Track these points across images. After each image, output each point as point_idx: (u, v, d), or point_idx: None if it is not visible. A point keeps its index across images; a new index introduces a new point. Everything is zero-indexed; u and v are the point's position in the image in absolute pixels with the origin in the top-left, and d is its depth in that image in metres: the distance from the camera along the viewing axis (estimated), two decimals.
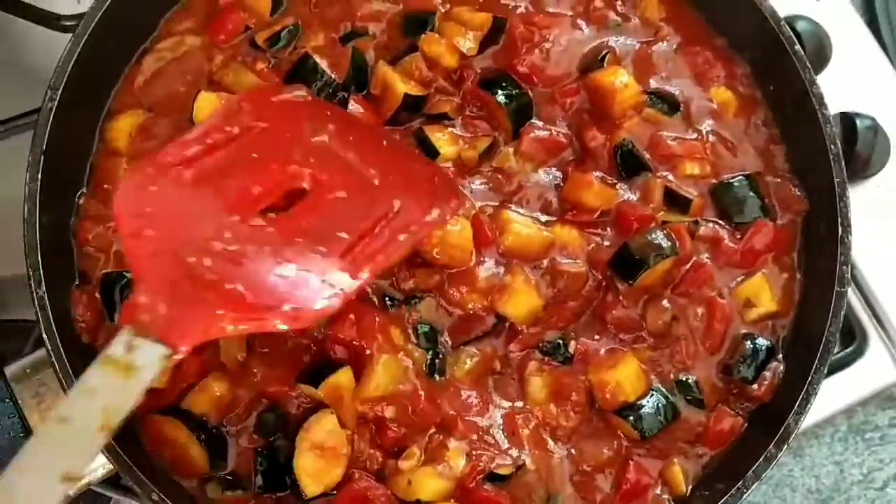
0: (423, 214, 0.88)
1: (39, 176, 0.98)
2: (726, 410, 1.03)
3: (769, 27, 1.09)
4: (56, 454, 0.69)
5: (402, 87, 1.06)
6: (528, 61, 1.10)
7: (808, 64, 1.07)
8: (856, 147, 1.32)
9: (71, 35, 1.02)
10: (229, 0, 1.13)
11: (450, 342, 1.02)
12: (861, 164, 1.33)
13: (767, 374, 1.02)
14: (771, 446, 0.96)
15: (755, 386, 1.02)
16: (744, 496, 0.95)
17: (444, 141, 1.07)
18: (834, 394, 1.28)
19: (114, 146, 1.07)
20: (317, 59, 1.07)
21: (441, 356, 1.01)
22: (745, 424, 1.03)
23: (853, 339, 1.31)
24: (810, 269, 1.09)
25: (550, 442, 1.02)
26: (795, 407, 0.97)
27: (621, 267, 1.03)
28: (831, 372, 1.28)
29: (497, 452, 0.99)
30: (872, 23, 1.47)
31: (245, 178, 0.83)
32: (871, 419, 1.35)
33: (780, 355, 1.04)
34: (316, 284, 0.79)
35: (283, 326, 0.79)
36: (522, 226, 1.04)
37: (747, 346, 1.04)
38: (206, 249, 0.76)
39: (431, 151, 1.06)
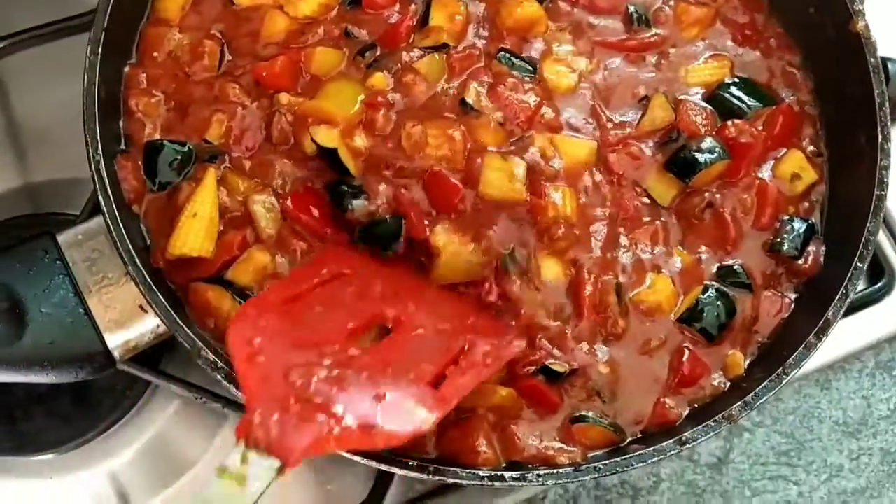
0: (493, 349, 0.97)
1: (100, 51, 0.99)
2: (773, 292, 1.08)
3: None
4: None
5: None
6: None
7: None
8: (888, 90, 1.34)
9: None
10: None
11: None
12: (894, 107, 1.35)
13: (811, 248, 1.07)
14: (811, 336, 0.98)
15: (801, 261, 1.06)
16: (783, 383, 0.96)
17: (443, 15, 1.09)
18: (861, 330, 1.30)
19: (164, 16, 1.09)
20: None
21: None
22: (793, 305, 1.07)
23: (881, 275, 1.33)
24: (846, 186, 1.11)
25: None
26: (835, 300, 0.99)
27: (678, 167, 1.07)
28: (859, 308, 1.30)
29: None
30: None
31: (340, 315, 0.93)
32: None
33: (821, 233, 1.10)
34: (409, 408, 0.88)
35: (380, 446, 0.87)
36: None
37: (788, 226, 1.09)
38: (311, 374, 0.86)
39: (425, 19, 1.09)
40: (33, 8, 1.30)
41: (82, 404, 1.12)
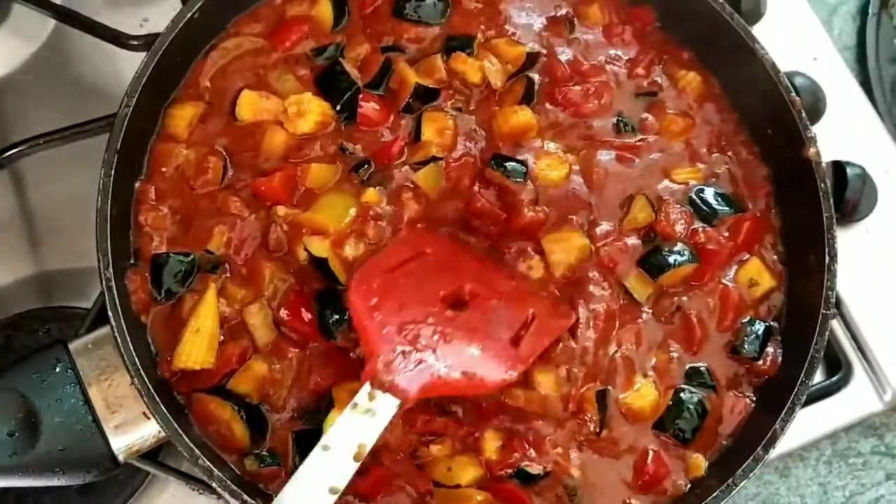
0: (554, 318, 1.13)
1: (113, 172, 1.08)
2: (735, 393, 1.15)
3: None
4: (323, 472, 0.96)
5: (414, 78, 1.19)
6: (567, 94, 1.22)
7: (802, 112, 1.19)
8: (846, 193, 1.44)
9: (147, 51, 1.14)
10: (295, 13, 1.25)
11: None
12: (850, 209, 1.45)
13: (770, 349, 1.16)
14: (759, 449, 1.06)
15: (760, 362, 1.15)
16: (732, 493, 1.04)
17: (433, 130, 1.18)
18: (820, 420, 1.38)
19: (172, 132, 1.18)
20: (345, 65, 1.20)
21: None
22: (753, 405, 1.16)
23: (839, 369, 1.41)
24: (799, 294, 1.19)
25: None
26: (782, 414, 1.07)
27: (648, 266, 1.16)
28: (818, 399, 1.39)
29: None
30: (865, 83, 1.60)
31: (432, 283, 1.10)
32: (854, 445, 1.44)
33: (779, 335, 1.18)
34: (498, 361, 1.06)
35: (474, 391, 1.06)
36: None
37: (748, 328, 1.17)
38: (419, 328, 1.04)
39: (417, 135, 1.18)
40: (51, 110, 1.40)
41: (87, 494, 1.19)
